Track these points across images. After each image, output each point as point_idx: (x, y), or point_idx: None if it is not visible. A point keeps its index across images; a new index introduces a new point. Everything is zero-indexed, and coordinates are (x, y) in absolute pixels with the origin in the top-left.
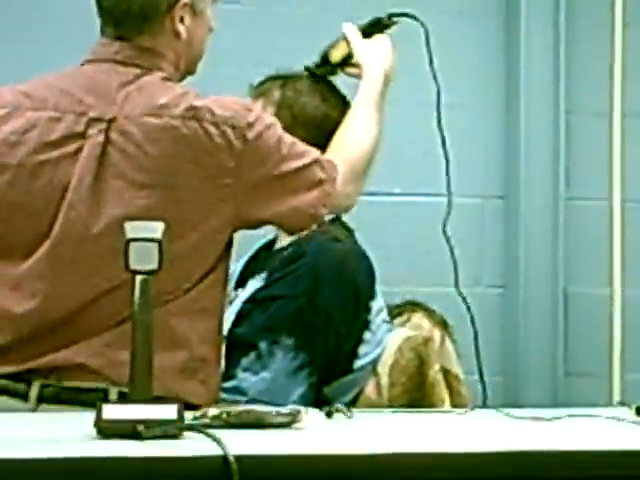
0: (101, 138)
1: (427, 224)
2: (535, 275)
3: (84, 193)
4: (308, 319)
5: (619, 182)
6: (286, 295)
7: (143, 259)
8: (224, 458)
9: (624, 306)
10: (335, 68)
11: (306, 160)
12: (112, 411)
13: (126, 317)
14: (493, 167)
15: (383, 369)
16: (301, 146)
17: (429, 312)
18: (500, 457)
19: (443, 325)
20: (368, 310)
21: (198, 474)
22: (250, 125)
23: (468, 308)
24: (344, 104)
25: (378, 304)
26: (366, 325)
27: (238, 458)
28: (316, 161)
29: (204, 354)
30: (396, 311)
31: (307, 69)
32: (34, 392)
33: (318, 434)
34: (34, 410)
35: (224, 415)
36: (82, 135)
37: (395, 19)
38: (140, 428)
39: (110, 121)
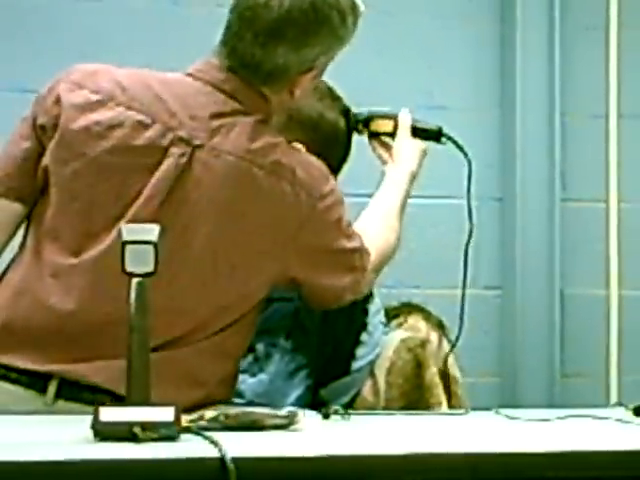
0: (183, 161)
1: (424, 226)
2: (532, 276)
3: (150, 211)
4: (304, 321)
5: (615, 183)
6: (283, 297)
7: (139, 261)
8: (221, 460)
9: (621, 307)
10: (365, 133)
11: (353, 244)
12: (109, 414)
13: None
14: (489, 169)
15: (380, 371)
16: (351, 227)
17: (426, 314)
18: (498, 458)
19: (440, 327)
20: (365, 312)
21: (195, 476)
22: (323, 197)
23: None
24: (339, 105)
25: (375, 306)
26: (363, 327)
27: (235, 460)
28: (359, 249)
29: (219, 395)
30: (393, 313)
31: (347, 112)
32: (52, 388)
33: (315, 436)
34: (50, 405)
35: (221, 417)
36: (165, 150)
37: (445, 140)
38: (137, 430)
39: (196, 147)
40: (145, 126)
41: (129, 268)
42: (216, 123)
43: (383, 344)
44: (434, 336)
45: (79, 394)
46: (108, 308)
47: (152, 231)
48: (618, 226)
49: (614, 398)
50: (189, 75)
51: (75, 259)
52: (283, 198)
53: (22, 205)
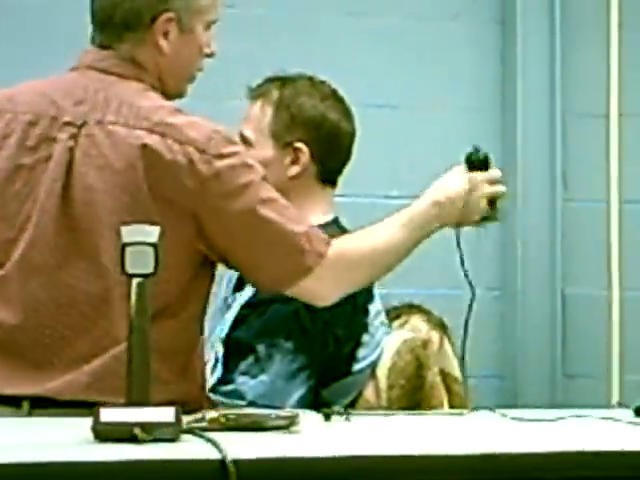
0: (71, 143)
1: None
2: (533, 277)
3: (55, 199)
4: (305, 322)
5: (616, 183)
6: (283, 298)
7: (139, 263)
8: (222, 461)
9: (622, 307)
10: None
11: (295, 227)
12: (109, 414)
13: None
14: None
15: (381, 372)
16: (296, 213)
17: (427, 314)
18: (499, 459)
19: (441, 327)
20: (366, 313)
21: (196, 478)
22: (222, 156)
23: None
24: (342, 105)
25: (376, 307)
26: (364, 328)
27: (236, 461)
28: (306, 233)
29: (187, 391)
30: (394, 313)
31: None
32: (26, 404)
33: (316, 437)
34: (28, 416)
35: (222, 418)
36: (54, 139)
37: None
38: (137, 431)
39: (81, 126)
40: (33, 124)
41: (129, 269)
42: (97, 98)
43: (384, 345)
44: (435, 336)
45: (53, 404)
46: (45, 305)
47: (152, 232)
48: (619, 226)
49: (615, 398)
50: (73, 69)
51: (2, 270)
52: (172, 156)
53: None
